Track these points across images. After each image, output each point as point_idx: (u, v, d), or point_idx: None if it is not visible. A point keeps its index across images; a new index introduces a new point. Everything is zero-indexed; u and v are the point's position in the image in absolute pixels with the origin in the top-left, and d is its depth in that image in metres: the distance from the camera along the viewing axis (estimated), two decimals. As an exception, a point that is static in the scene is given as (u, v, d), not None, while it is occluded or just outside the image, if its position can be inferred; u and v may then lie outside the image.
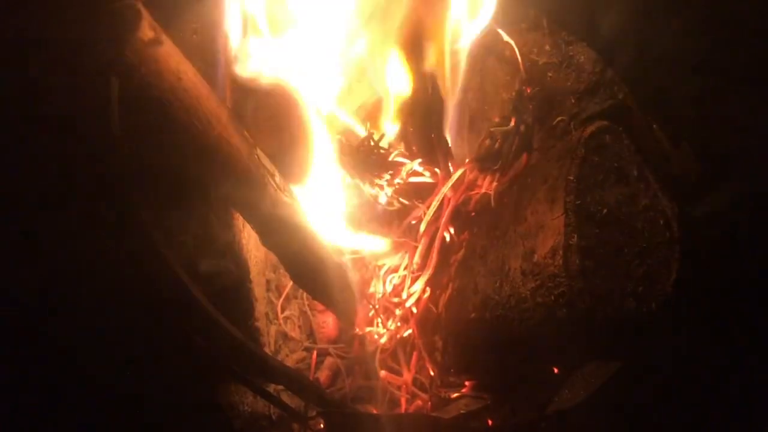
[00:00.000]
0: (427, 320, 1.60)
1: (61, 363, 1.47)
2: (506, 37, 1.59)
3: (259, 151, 1.24)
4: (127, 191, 1.19)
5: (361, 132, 1.60)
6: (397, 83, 1.53)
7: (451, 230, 1.59)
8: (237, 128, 1.18)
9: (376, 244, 1.64)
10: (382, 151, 1.55)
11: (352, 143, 1.56)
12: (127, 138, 1.15)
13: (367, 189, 1.57)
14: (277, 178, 1.28)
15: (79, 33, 0.99)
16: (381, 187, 1.56)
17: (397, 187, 1.56)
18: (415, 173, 1.59)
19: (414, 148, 1.62)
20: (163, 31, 1.02)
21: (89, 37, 0.98)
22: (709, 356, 1.51)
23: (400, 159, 1.57)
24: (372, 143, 1.54)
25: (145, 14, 0.99)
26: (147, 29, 0.98)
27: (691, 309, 1.36)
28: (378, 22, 1.43)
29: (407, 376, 1.58)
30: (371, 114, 1.70)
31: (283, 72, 1.36)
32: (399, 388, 1.58)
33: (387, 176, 1.55)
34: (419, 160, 1.58)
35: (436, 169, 1.61)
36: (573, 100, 1.56)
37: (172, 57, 1.03)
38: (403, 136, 1.63)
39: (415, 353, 1.60)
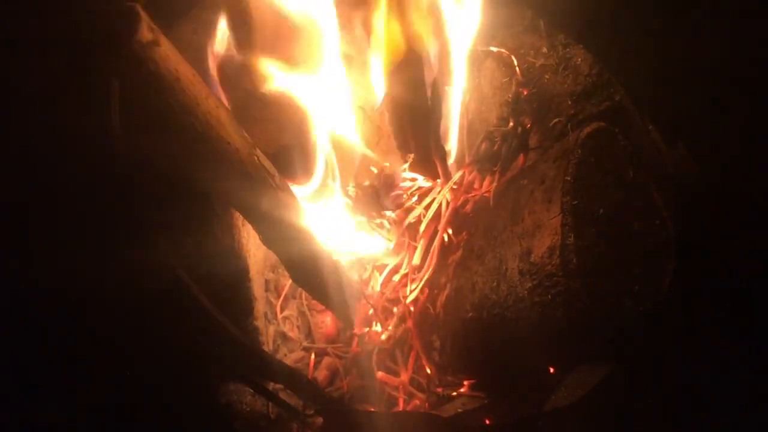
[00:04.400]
0: (425, 320, 1.61)
1: (61, 363, 1.48)
2: (495, 49, 1.61)
3: (258, 152, 1.24)
4: (129, 192, 1.19)
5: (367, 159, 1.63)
6: (396, 88, 1.53)
7: (450, 231, 1.60)
8: (236, 129, 1.19)
9: (375, 245, 1.65)
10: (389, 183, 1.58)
11: (360, 185, 1.58)
12: (127, 139, 1.16)
13: (373, 224, 1.60)
14: (277, 178, 1.29)
15: (78, 35, 1.00)
16: (385, 223, 1.60)
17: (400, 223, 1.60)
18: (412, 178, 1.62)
19: (412, 152, 1.63)
20: (161, 33, 1.03)
21: (88, 40, 0.99)
22: (705, 356, 1.52)
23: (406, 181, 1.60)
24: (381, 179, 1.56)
25: (144, 16, 0.99)
26: (145, 31, 0.99)
27: (687, 309, 1.37)
28: (377, 27, 1.43)
29: (404, 376, 1.58)
30: (370, 117, 1.70)
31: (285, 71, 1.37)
32: (396, 388, 1.59)
33: (391, 214, 1.58)
34: (416, 198, 1.62)
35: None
36: (570, 102, 1.57)
37: (170, 58, 1.04)
38: (401, 140, 1.64)
39: (412, 353, 1.61)
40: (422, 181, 1.64)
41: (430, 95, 1.56)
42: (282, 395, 1.43)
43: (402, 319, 1.61)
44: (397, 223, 1.63)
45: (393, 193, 1.60)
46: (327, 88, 1.46)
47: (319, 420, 1.41)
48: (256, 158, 1.22)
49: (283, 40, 1.34)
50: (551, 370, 1.41)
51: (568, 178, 1.20)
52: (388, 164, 1.61)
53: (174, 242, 1.32)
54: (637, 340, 1.28)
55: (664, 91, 1.59)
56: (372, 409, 1.54)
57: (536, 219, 1.25)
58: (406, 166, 1.61)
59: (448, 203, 1.60)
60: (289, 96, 1.36)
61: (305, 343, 1.75)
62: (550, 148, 1.42)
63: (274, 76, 1.34)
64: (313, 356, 1.70)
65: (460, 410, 1.49)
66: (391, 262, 1.67)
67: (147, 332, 1.37)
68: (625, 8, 1.59)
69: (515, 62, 1.63)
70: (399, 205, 1.61)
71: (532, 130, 1.60)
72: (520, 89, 1.61)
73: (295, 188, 1.38)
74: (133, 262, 1.24)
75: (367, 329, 1.64)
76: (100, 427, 1.52)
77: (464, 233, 1.57)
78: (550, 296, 1.20)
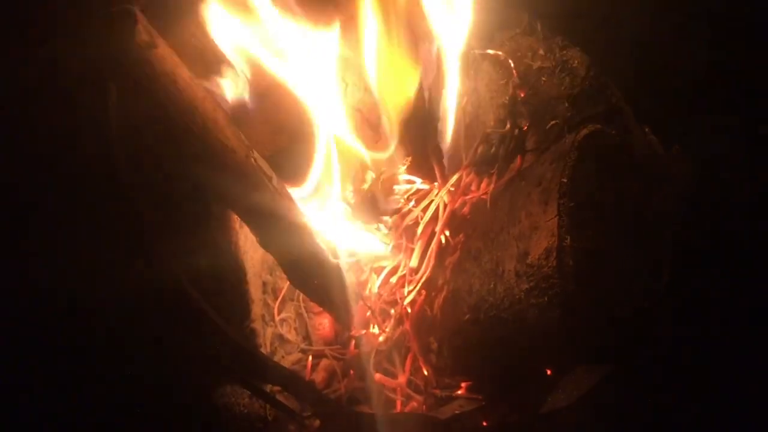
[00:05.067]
0: (422, 322, 1.61)
1: (60, 365, 1.48)
2: (492, 52, 1.62)
3: (255, 154, 1.25)
4: (127, 193, 1.19)
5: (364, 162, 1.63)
6: (394, 92, 1.54)
7: (447, 233, 1.61)
8: (233, 131, 1.19)
9: (373, 246, 1.66)
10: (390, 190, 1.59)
11: (360, 190, 1.59)
12: (125, 142, 1.16)
13: (372, 229, 1.61)
14: (274, 180, 1.29)
15: (75, 38, 1.00)
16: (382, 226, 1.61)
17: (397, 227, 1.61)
18: (410, 181, 1.62)
19: (409, 154, 1.64)
20: (159, 35, 1.03)
21: (85, 42, 0.99)
22: (701, 356, 1.52)
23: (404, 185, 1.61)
24: (379, 184, 1.57)
25: (141, 18, 1.00)
26: (142, 33, 1.00)
27: (685, 309, 1.37)
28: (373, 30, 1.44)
29: (402, 378, 1.59)
30: (367, 119, 1.71)
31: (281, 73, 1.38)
32: (394, 390, 1.59)
33: (389, 219, 1.59)
34: (412, 202, 1.63)
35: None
36: (567, 104, 1.57)
37: (167, 60, 1.04)
38: (399, 143, 1.65)
39: (410, 355, 1.61)
40: (420, 184, 1.65)
41: (427, 98, 1.56)
42: (279, 397, 1.44)
43: (399, 321, 1.61)
44: (395, 225, 1.63)
45: (391, 197, 1.61)
46: (324, 90, 1.46)
47: (317, 422, 1.42)
48: (253, 160, 1.23)
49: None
50: (548, 371, 1.41)
51: (565, 180, 1.20)
52: (385, 167, 1.62)
53: (171, 244, 1.33)
54: (635, 341, 1.28)
55: (661, 93, 1.60)
56: (369, 411, 1.54)
57: (533, 221, 1.25)
58: (404, 168, 1.62)
59: (445, 205, 1.60)
60: (286, 98, 1.36)
61: (303, 345, 1.75)
62: (547, 150, 1.42)
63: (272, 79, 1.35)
64: (310, 358, 1.70)
65: (457, 412, 1.49)
66: (389, 264, 1.67)
67: (145, 334, 1.37)
68: (623, 10, 1.60)
69: (512, 65, 1.63)
70: (396, 209, 1.61)
71: (528, 132, 1.61)
72: (517, 91, 1.61)
73: (292, 190, 1.38)
74: (131, 264, 1.24)
75: (364, 331, 1.65)
76: (98, 428, 1.52)
77: (461, 235, 1.58)
78: (546, 298, 1.20)
